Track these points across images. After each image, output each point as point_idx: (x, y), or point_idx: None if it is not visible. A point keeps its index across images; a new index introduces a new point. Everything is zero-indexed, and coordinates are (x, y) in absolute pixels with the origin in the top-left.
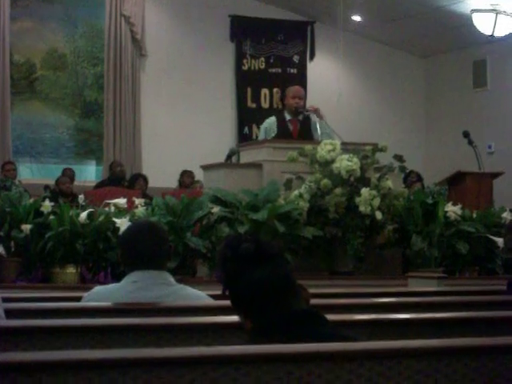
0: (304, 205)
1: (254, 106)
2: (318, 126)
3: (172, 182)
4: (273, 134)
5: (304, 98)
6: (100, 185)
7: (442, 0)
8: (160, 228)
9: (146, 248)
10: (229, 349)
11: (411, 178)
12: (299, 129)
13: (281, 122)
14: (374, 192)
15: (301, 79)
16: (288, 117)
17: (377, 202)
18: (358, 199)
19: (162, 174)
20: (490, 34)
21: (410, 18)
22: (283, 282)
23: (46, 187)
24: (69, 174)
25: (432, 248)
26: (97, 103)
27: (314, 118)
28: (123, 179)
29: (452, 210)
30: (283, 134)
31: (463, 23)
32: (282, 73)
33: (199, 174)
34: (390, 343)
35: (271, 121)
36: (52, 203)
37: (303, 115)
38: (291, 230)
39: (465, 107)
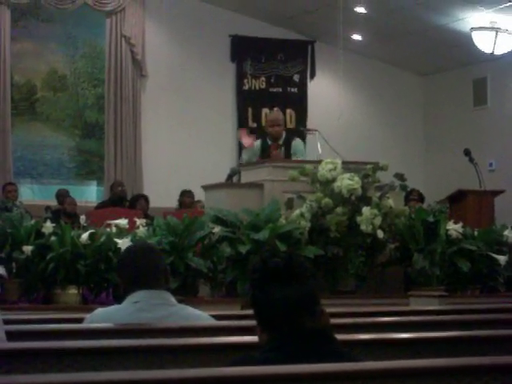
0: (305, 224)
1: (254, 125)
2: (292, 151)
3: (173, 202)
4: (254, 159)
5: (283, 123)
6: (101, 205)
7: (442, 18)
8: (155, 249)
9: (144, 267)
10: (230, 370)
11: (412, 196)
12: (278, 153)
13: (264, 146)
14: (375, 211)
15: (301, 98)
16: (269, 142)
17: (378, 220)
18: (359, 218)
19: (163, 194)
20: (491, 52)
21: (409, 37)
22: (303, 302)
23: (47, 208)
24: (65, 194)
25: (434, 266)
26: (97, 124)
27: (295, 141)
28: (124, 199)
29: (453, 228)
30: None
31: (463, 41)
32: (283, 92)
33: (200, 194)
34: (392, 363)
35: (257, 145)
36: (53, 224)
37: (284, 139)
38: (292, 250)
39: (465, 125)
